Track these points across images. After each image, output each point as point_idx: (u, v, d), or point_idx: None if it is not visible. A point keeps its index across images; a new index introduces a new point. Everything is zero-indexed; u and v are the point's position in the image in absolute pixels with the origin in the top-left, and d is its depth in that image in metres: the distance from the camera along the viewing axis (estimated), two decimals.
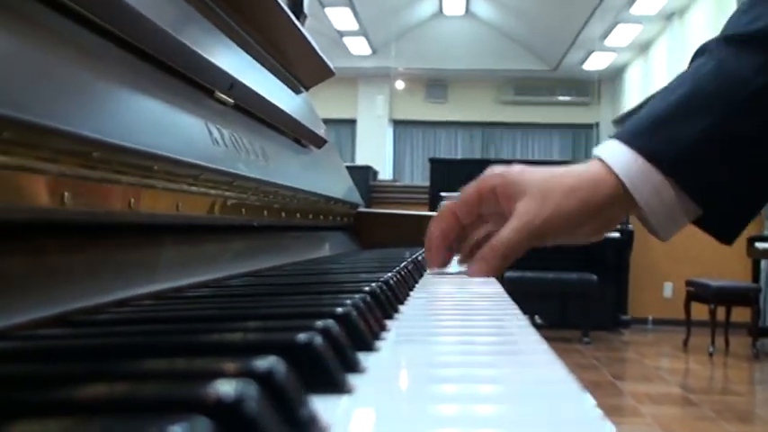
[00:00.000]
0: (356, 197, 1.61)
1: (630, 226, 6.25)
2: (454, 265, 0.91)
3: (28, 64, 0.45)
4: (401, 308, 0.58)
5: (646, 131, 0.78)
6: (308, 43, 1.30)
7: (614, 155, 0.78)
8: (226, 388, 0.21)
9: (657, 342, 6.46)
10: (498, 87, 12.40)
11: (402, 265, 0.77)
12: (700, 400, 4.24)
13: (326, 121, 1.56)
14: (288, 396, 0.24)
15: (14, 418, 0.21)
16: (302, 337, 0.30)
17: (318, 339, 0.30)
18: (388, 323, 0.49)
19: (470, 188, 0.85)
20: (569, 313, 6.37)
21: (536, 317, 6.11)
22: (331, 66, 1.46)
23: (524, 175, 0.81)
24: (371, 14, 9.84)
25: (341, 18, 9.72)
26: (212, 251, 0.78)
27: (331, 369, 0.30)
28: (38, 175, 0.42)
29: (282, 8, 1.12)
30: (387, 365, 0.37)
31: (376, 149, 12.22)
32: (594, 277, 5.98)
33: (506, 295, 0.68)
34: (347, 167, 1.78)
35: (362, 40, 10.87)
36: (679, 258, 6.83)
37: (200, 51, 0.75)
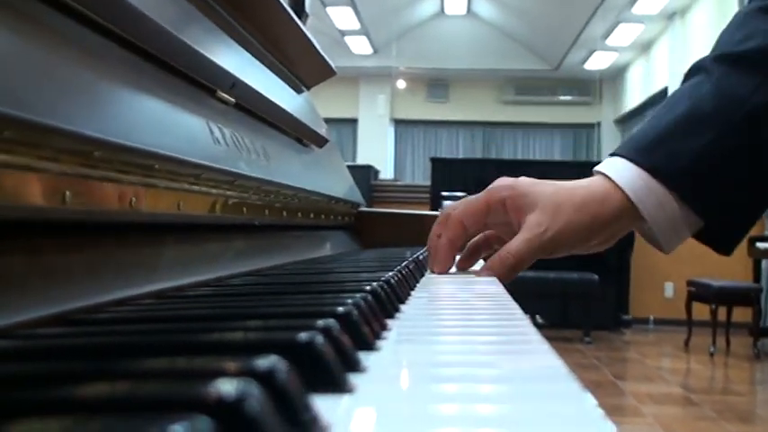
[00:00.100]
0: (357, 196, 1.61)
1: None
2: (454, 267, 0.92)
3: (29, 63, 0.45)
4: (402, 307, 0.58)
5: (648, 148, 0.81)
6: (310, 42, 1.30)
7: (618, 170, 0.81)
8: (227, 387, 0.21)
9: (658, 342, 6.46)
10: (500, 87, 12.41)
11: (403, 264, 0.77)
12: (701, 400, 4.24)
13: (328, 121, 1.56)
14: (289, 395, 0.24)
15: (15, 417, 0.21)
16: (303, 336, 0.30)
17: (319, 339, 0.30)
18: (390, 322, 0.49)
19: (479, 199, 0.86)
20: (570, 313, 6.37)
21: (537, 316, 6.11)
22: (332, 65, 1.46)
23: (534, 187, 0.83)
24: (373, 14, 9.84)
25: (342, 17, 9.73)
26: (213, 250, 0.78)
27: (332, 368, 0.30)
28: (39, 174, 0.42)
29: (284, 7, 1.12)
30: (388, 365, 0.37)
31: (377, 149, 12.22)
32: (596, 277, 5.98)
33: (507, 295, 0.68)
34: (348, 167, 1.78)
35: (364, 39, 10.88)
36: (680, 258, 6.82)
37: (201, 51, 0.75)
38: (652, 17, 9.19)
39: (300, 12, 1.51)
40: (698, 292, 5.99)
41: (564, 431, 0.25)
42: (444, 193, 6.24)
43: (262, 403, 0.21)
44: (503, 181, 0.86)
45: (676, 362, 5.70)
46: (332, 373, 0.30)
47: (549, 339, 0.42)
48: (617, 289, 6.64)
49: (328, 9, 9.30)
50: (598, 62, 11.22)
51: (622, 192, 0.80)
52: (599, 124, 12.38)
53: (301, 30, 1.24)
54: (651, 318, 7.19)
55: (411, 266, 0.81)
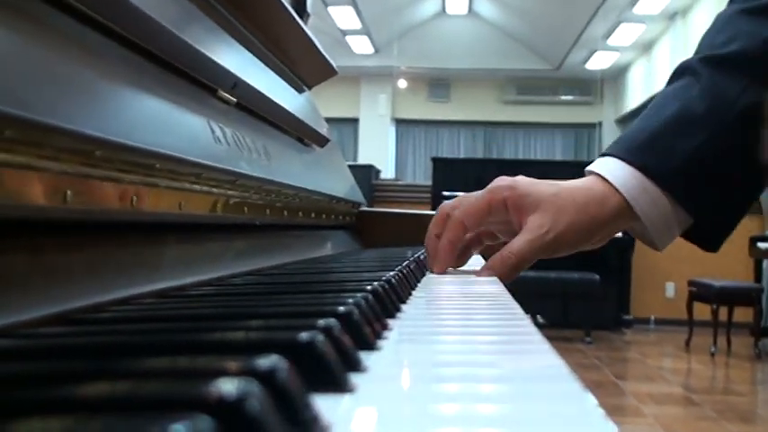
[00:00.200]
0: (358, 196, 1.61)
1: None
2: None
3: (31, 62, 0.45)
4: (403, 307, 0.58)
5: (640, 147, 0.83)
6: (311, 42, 1.30)
7: (611, 170, 0.83)
8: (228, 387, 0.21)
9: (659, 342, 6.46)
10: (501, 87, 12.40)
11: (404, 264, 0.77)
12: (702, 400, 4.24)
13: (329, 120, 1.56)
14: (290, 395, 0.24)
15: (16, 416, 0.21)
16: (304, 335, 0.30)
17: (320, 338, 0.30)
18: (390, 322, 0.49)
19: (480, 199, 0.86)
20: (571, 313, 6.37)
21: (538, 316, 6.11)
22: (334, 65, 1.46)
23: (534, 187, 0.84)
24: (374, 13, 9.84)
25: (344, 17, 9.72)
26: (214, 250, 0.78)
27: (333, 368, 0.30)
28: (40, 173, 0.42)
29: (285, 7, 1.12)
30: (389, 364, 0.37)
31: (378, 148, 12.22)
32: (597, 277, 5.98)
33: (508, 295, 0.68)
34: (349, 166, 1.78)
35: (365, 39, 10.88)
36: (681, 258, 6.82)
37: (203, 50, 0.75)
38: (653, 17, 9.18)
39: (302, 11, 1.51)
40: (699, 292, 5.98)
41: (565, 431, 0.25)
42: (445, 193, 6.24)
43: (263, 403, 0.21)
44: (502, 181, 0.86)
45: (677, 362, 5.70)
46: (333, 372, 0.30)
47: (550, 339, 0.42)
48: (618, 289, 6.64)
49: (330, 8, 9.30)
50: (599, 62, 11.21)
51: (619, 192, 0.81)
52: (600, 124, 12.36)
53: (303, 29, 1.24)
54: (652, 318, 7.19)
55: (412, 266, 0.81)
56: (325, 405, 0.26)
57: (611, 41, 10.25)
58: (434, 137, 12.94)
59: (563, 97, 12.27)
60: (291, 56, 1.27)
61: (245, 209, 0.83)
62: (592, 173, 0.84)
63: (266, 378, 0.24)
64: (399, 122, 12.84)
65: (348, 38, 10.72)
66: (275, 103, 1.02)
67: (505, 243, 0.85)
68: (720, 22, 0.87)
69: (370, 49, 11.38)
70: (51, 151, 0.43)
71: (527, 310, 0.60)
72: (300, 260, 1.04)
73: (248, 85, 0.89)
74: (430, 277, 0.87)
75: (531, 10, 10.19)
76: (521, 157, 11.91)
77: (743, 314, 6.04)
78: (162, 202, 0.60)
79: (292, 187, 1.00)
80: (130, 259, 0.57)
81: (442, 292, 0.75)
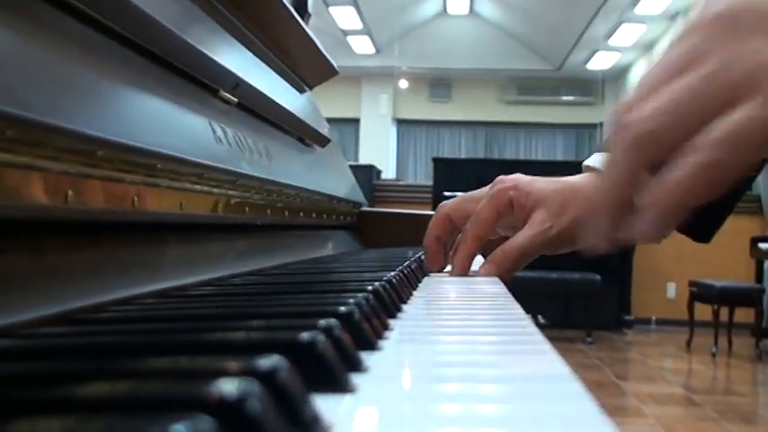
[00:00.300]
0: (359, 196, 1.61)
1: None
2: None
3: (32, 62, 0.45)
4: (404, 307, 0.58)
5: None
6: (312, 42, 1.30)
7: None
8: (228, 387, 0.21)
9: (660, 342, 6.46)
10: (502, 87, 12.39)
11: (405, 264, 0.77)
12: (702, 400, 4.24)
13: (330, 120, 1.56)
14: (290, 395, 0.24)
15: (17, 415, 0.21)
16: (305, 336, 0.30)
17: (321, 338, 0.30)
18: (391, 322, 0.49)
19: (486, 208, 0.85)
20: (572, 313, 6.37)
21: (539, 317, 6.11)
22: (335, 65, 1.46)
23: (535, 185, 0.85)
24: (375, 14, 9.84)
25: (345, 17, 9.72)
26: (215, 250, 0.78)
27: (334, 368, 0.30)
28: (41, 173, 0.42)
29: (287, 7, 1.12)
30: (389, 365, 0.37)
31: (379, 149, 12.21)
32: (598, 277, 5.98)
33: (509, 295, 0.68)
34: (350, 166, 1.78)
35: (366, 39, 10.87)
36: (682, 259, 6.82)
37: (204, 50, 0.75)
38: (655, 17, 9.18)
39: (303, 11, 1.51)
40: (700, 293, 5.98)
41: (565, 431, 0.25)
42: (446, 193, 6.24)
43: (263, 403, 0.22)
44: (504, 181, 0.86)
45: (678, 362, 5.70)
46: (333, 372, 0.30)
47: (551, 339, 0.42)
48: (619, 289, 6.64)
49: (331, 9, 9.30)
50: (601, 62, 11.21)
51: None
52: (601, 125, 12.33)
53: (304, 29, 1.24)
54: (653, 318, 7.19)
55: (413, 266, 0.81)
56: (325, 405, 0.26)
57: (612, 42, 10.25)
58: (435, 137, 12.93)
59: (564, 97, 12.25)
60: (292, 56, 1.27)
61: (247, 209, 0.83)
62: (589, 168, 0.84)
63: (267, 378, 0.24)
64: (400, 122, 12.84)
65: (349, 38, 10.72)
66: (276, 104, 1.02)
67: (506, 238, 0.85)
68: None
69: (371, 50, 11.37)
70: (52, 151, 0.43)
71: (528, 311, 0.60)
72: (301, 260, 1.04)
73: (249, 85, 0.89)
74: (431, 277, 0.87)
75: (533, 10, 10.19)
76: (522, 157, 11.90)
77: (744, 315, 6.04)
78: (163, 202, 0.60)
79: (293, 187, 1.00)
80: (131, 259, 0.57)
81: (442, 293, 0.75)
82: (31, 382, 0.26)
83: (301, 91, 1.33)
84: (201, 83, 0.78)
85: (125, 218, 0.55)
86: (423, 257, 0.97)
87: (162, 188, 0.60)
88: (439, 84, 12.52)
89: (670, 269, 7.03)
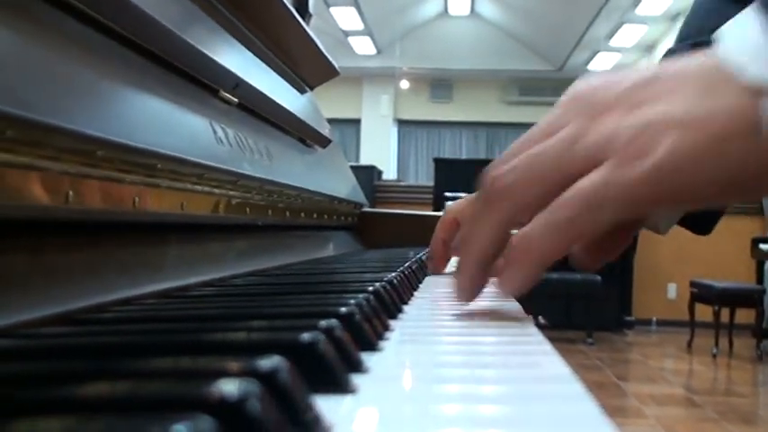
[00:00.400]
0: (360, 197, 1.61)
1: None
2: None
3: (32, 62, 0.45)
4: (405, 308, 0.58)
5: None
6: (313, 43, 1.30)
7: None
8: (229, 387, 0.21)
9: (661, 343, 6.46)
10: (503, 87, 12.39)
11: (406, 265, 0.77)
12: (703, 401, 4.24)
13: (331, 121, 1.56)
14: (291, 395, 0.24)
15: (17, 415, 0.21)
16: (306, 336, 0.30)
17: (322, 339, 0.30)
18: (392, 323, 0.49)
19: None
20: (573, 314, 6.37)
21: (540, 317, 6.11)
22: (336, 65, 1.46)
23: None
24: (376, 14, 9.84)
25: (346, 18, 9.73)
26: (216, 250, 0.78)
27: (334, 369, 0.30)
28: (42, 173, 0.42)
29: (287, 8, 1.13)
30: (390, 365, 0.37)
31: (380, 149, 12.22)
32: (599, 278, 5.97)
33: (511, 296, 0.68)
34: (351, 167, 1.78)
35: (367, 39, 10.88)
36: (683, 259, 6.82)
37: (204, 51, 0.75)
38: (656, 18, 9.18)
39: (304, 12, 1.51)
40: (701, 294, 5.98)
41: None
42: (447, 194, 6.24)
43: (264, 403, 0.22)
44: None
45: (679, 363, 5.70)
46: (334, 373, 0.30)
47: (552, 340, 0.42)
48: (620, 290, 6.64)
49: (332, 9, 9.30)
50: (602, 63, 11.21)
51: None
52: None
53: (305, 30, 1.24)
54: (654, 319, 7.18)
55: (414, 267, 0.81)
56: (326, 406, 0.26)
57: (613, 42, 10.25)
58: (436, 137, 12.93)
59: None
60: (293, 56, 1.27)
61: (247, 209, 0.83)
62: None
63: (268, 378, 0.24)
64: (401, 123, 12.84)
65: (350, 38, 10.72)
66: (277, 104, 1.02)
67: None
68: (703, 9, 0.86)
69: (372, 50, 11.38)
70: (53, 151, 0.43)
71: (529, 311, 0.60)
72: (302, 261, 1.04)
73: (250, 85, 0.89)
74: (432, 278, 0.87)
75: (534, 11, 10.19)
76: None
77: (745, 315, 6.03)
78: (164, 203, 0.60)
79: (294, 188, 1.00)
80: (132, 260, 0.57)
81: (443, 293, 0.75)
82: (32, 382, 0.26)
83: (302, 91, 1.33)
84: (202, 83, 0.78)
85: (126, 218, 0.55)
86: (426, 258, 0.96)
87: (162, 188, 0.60)
88: (440, 84, 12.52)
89: (671, 270, 7.02)
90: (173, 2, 0.72)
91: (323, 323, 0.34)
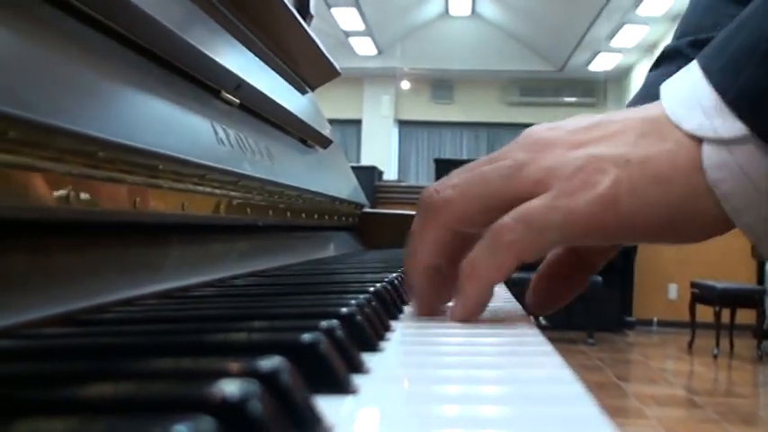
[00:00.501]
0: (361, 197, 1.61)
1: None
2: None
3: (33, 63, 0.45)
4: (405, 308, 0.58)
5: None
6: (314, 43, 1.30)
7: None
8: (230, 388, 0.21)
9: (662, 344, 6.45)
10: (504, 88, 12.40)
11: None
12: (704, 402, 4.24)
13: (332, 122, 1.56)
14: (292, 396, 0.24)
15: (19, 416, 0.21)
16: (306, 337, 0.30)
17: (323, 340, 0.30)
18: (393, 324, 0.49)
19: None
20: (574, 314, 6.37)
21: (541, 318, 6.10)
22: (337, 66, 1.46)
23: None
24: (377, 15, 9.84)
25: (347, 18, 9.73)
26: (217, 251, 0.78)
27: (335, 369, 0.30)
28: (43, 174, 0.42)
29: (288, 8, 1.13)
30: (391, 366, 0.37)
31: (381, 150, 12.22)
32: (599, 279, 5.97)
33: (511, 296, 0.68)
34: (352, 168, 1.78)
35: (368, 40, 10.88)
36: (684, 260, 6.82)
37: (206, 51, 0.75)
38: (657, 19, 9.18)
39: (305, 13, 1.51)
40: (701, 294, 5.98)
41: None
42: None
43: (265, 404, 0.22)
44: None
45: (680, 364, 5.69)
46: (335, 374, 0.30)
47: (553, 341, 0.42)
48: (621, 291, 6.64)
49: (333, 10, 9.30)
50: (603, 63, 11.21)
51: None
52: None
53: (306, 31, 1.24)
54: (655, 319, 7.18)
55: None
56: (327, 406, 0.26)
57: (614, 43, 10.25)
58: (437, 138, 12.94)
59: (566, 99, 12.25)
60: (294, 57, 1.27)
61: (248, 210, 0.83)
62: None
63: (269, 379, 0.24)
64: (402, 124, 12.84)
65: (351, 39, 10.72)
66: (278, 105, 1.02)
67: None
68: (701, 7, 0.86)
69: (373, 51, 11.38)
70: (54, 152, 0.43)
71: (529, 312, 0.60)
72: (303, 261, 1.04)
73: (251, 86, 0.89)
74: None
75: (535, 11, 10.19)
76: None
77: (745, 316, 6.03)
78: (165, 203, 0.61)
79: (295, 188, 1.00)
80: (134, 260, 0.57)
81: None
82: (34, 382, 0.26)
83: (303, 92, 1.33)
84: (203, 84, 0.79)
85: (127, 219, 0.55)
86: None
87: (164, 189, 0.60)
88: (441, 85, 12.53)
89: (671, 270, 7.02)
90: (174, 2, 0.72)
91: (324, 324, 0.34)
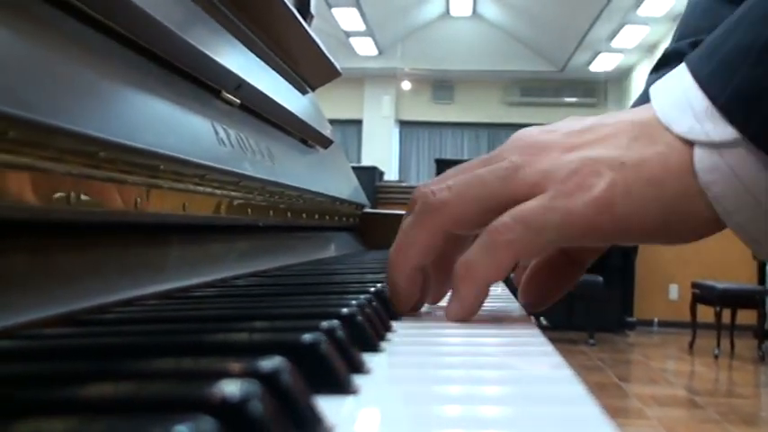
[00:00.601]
0: (362, 198, 1.61)
1: None
2: None
3: (33, 63, 0.45)
4: None
5: None
6: (315, 44, 1.30)
7: None
8: (231, 388, 0.21)
9: (663, 344, 6.45)
10: (504, 88, 12.40)
11: None
12: (705, 402, 4.24)
13: (333, 122, 1.56)
14: (293, 396, 0.24)
15: (19, 416, 0.21)
16: (307, 337, 0.30)
17: (323, 340, 0.30)
18: (394, 324, 0.49)
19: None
20: (575, 315, 6.37)
21: (541, 318, 6.10)
22: (337, 66, 1.46)
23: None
24: (378, 15, 9.85)
25: (347, 18, 9.74)
26: (218, 251, 0.78)
27: (336, 370, 0.30)
28: (43, 174, 0.42)
29: (289, 8, 1.13)
30: (392, 366, 0.37)
31: (382, 150, 12.23)
32: (600, 279, 5.97)
33: (512, 296, 0.68)
34: (353, 168, 1.78)
35: (369, 40, 10.89)
36: (685, 260, 6.82)
37: (206, 51, 0.75)
38: (657, 19, 9.18)
39: (305, 13, 1.51)
40: (702, 295, 5.98)
41: None
42: None
43: (265, 404, 0.22)
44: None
45: (680, 364, 5.69)
46: (336, 374, 0.30)
47: (554, 341, 0.42)
48: (621, 291, 6.64)
49: (333, 10, 9.31)
50: (603, 64, 11.22)
51: None
52: None
53: (306, 31, 1.24)
54: (655, 320, 7.18)
55: None
56: (328, 407, 0.26)
57: (615, 43, 10.25)
58: (438, 138, 12.94)
59: (567, 99, 12.26)
60: (295, 57, 1.27)
61: (249, 210, 0.83)
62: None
63: (269, 379, 0.24)
64: (403, 124, 12.85)
65: (352, 39, 10.73)
66: (279, 105, 1.02)
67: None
68: (699, 9, 0.86)
69: (373, 51, 11.39)
70: (55, 152, 0.43)
71: (530, 312, 0.60)
72: (304, 262, 1.04)
73: (252, 86, 0.89)
74: None
75: (535, 12, 10.19)
76: None
77: (746, 316, 6.03)
78: (166, 204, 0.60)
79: (296, 189, 1.00)
80: (134, 260, 0.57)
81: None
82: (34, 383, 0.26)
83: (304, 92, 1.33)
84: (204, 84, 0.79)
85: (128, 219, 0.55)
86: None
87: (164, 189, 0.60)
88: (441, 85, 12.53)
89: (672, 271, 7.02)
90: (175, 2, 0.72)
91: (324, 324, 0.34)
